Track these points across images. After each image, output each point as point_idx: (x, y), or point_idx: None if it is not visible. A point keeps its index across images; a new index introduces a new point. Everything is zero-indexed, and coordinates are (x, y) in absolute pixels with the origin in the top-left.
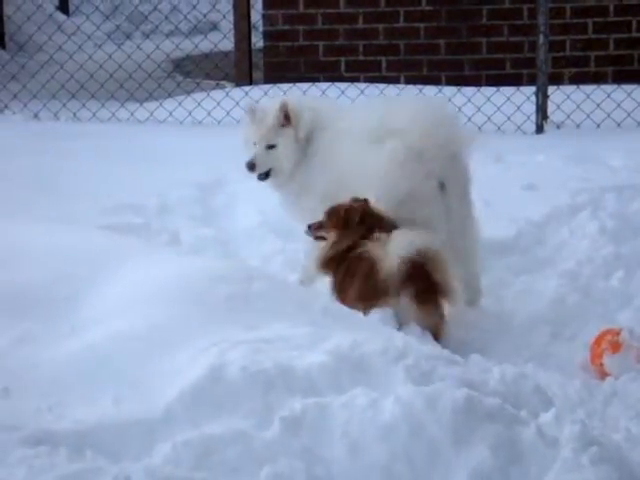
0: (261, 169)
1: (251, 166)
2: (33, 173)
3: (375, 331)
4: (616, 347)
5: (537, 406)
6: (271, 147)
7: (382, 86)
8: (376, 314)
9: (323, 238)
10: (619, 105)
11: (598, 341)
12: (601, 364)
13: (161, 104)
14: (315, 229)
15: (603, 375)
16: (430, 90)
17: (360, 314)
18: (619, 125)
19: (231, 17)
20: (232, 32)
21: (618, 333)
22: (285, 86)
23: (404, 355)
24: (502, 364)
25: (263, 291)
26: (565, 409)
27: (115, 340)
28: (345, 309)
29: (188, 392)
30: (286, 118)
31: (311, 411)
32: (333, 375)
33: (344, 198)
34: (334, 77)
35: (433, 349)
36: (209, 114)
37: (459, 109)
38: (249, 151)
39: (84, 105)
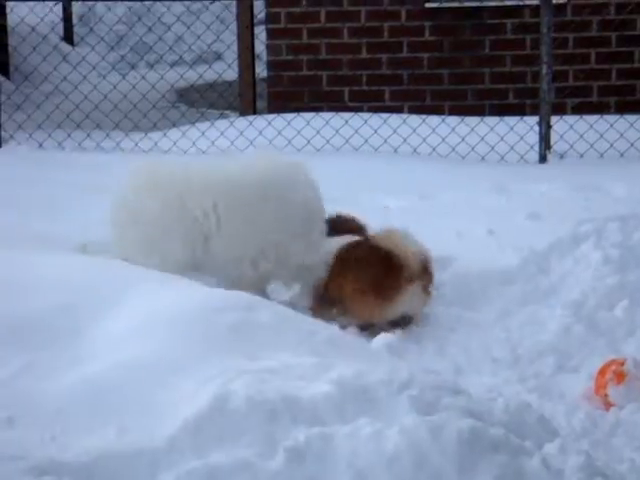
0: None
1: None
2: (37, 203)
3: (379, 361)
4: (621, 377)
5: (542, 436)
6: None
7: (385, 115)
8: (380, 342)
9: None
10: (622, 135)
11: (602, 371)
12: (605, 394)
13: (165, 134)
14: None
15: (608, 405)
16: (433, 120)
17: (365, 343)
18: (622, 155)
19: (235, 47)
20: (236, 62)
21: (622, 363)
22: (289, 116)
23: (408, 385)
24: (507, 394)
25: (266, 320)
26: (570, 440)
27: (119, 370)
28: (349, 338)
29: (192, 422)
30: None
31: (315, 441)
32: (337, 405)
33: None
34: (338, 107)
35: (438, 379)
36: (213, 144)
37: (462, 139)
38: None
39: (89, 135)
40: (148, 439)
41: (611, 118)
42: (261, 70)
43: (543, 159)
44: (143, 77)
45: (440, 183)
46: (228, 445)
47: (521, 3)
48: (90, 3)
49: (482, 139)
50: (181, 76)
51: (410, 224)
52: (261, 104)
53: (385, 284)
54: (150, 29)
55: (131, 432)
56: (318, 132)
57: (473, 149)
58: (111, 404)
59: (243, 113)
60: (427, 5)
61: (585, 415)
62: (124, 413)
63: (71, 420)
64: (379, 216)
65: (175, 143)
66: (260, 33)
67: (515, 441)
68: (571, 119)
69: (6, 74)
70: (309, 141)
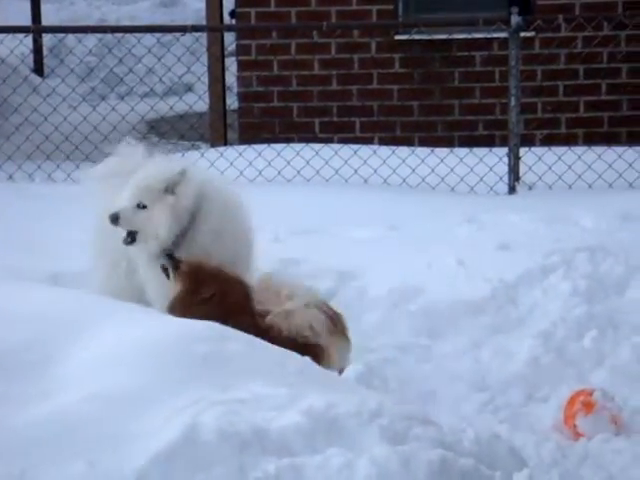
0: (127, 226)
1: (115, 219)
2: (7, 235)
3: (349, 391)
4: (589, 408)
5: (511, 467)
6: (143, 207)
7: (355, 147)
8: (350, 372)
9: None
10: (590, 167)
11: (571, 402)
12: (574, 425)
13: None
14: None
15: (576, 436)
16: (403, 151)
17: (336, 374)
18: (590, 186)
19: (206, 79)
20: (207, 94)
21: (591, 394)
22: (259, 147)
23: (378, 415)
24: (477, 424)
25: (237, 351)
26: (539, 470)
27: (88, 402)
28: (321, 370)
29: (162, 454)
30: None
31: (286, 472)
32: (308, 436)
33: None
34: (308, 138)
35: (408, 409)
36: None
37: (432, 170)
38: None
39: (59, 166)
40: (117, 473)
41: (579, 150)
42: (232, 102)
43: (512, 190)
44: (113, 108)
45: (410, 214)
46: (199, 477)
47: (489, 36)
48: (60, 35)
49: (452, 170)
50: (152, 107)
51: (380, 255)
52: (232, 135)
53: None
54: (121, 61)
55: (100, 465)
56: (289, 163)
57: (443, 180)
58: (80, 437)
59: (214, 144)
60: (397, 37)
61: (554, 446)
62: (93, 446)
63: (40, 454)
64: (349, 247)
65: None
66: (231, 65)
67: (485, 472)
68: (540, 151)
69: None
70: (280, 172)
